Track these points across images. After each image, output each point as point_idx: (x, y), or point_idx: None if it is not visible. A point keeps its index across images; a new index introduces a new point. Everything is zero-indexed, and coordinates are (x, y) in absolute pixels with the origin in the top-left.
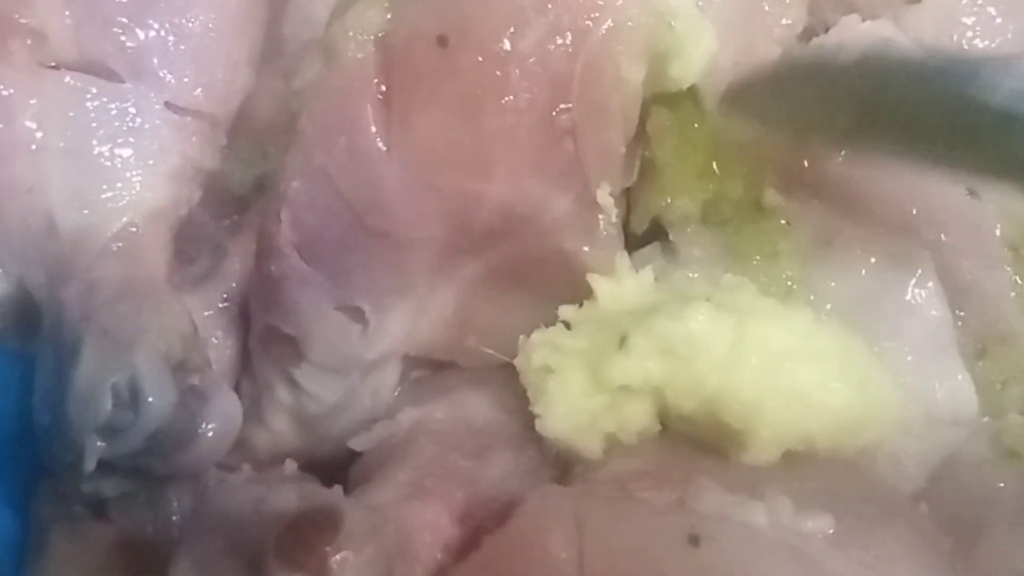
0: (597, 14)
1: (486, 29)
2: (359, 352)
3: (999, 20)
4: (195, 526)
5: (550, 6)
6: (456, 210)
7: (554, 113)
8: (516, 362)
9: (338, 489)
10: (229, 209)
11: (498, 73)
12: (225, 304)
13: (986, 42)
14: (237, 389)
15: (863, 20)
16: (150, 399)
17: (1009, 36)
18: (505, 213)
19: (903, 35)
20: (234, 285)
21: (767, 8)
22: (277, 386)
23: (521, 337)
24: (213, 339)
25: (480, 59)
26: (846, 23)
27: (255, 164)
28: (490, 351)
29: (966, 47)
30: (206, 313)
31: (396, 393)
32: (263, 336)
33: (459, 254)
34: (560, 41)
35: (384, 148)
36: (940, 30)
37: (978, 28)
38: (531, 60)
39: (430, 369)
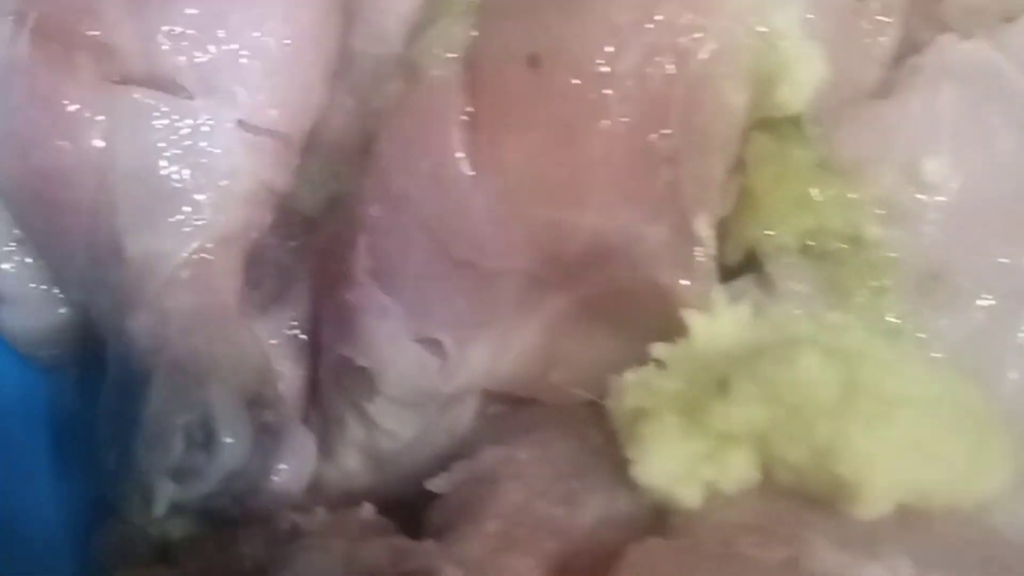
0: (700, 35)
1: (581, 49)
2: (437, 386)
3: None
4: None
5: (649, 26)
6: (546, 241)
7: (652, 139)
8: (608, 403)
9: (430, 544)
10: (296, 231)
11: (594, 96)
12: (293, 332)
13: None
14: (306, 421)
15: (960, 39)
16: (225, 439)
17: None
18: (597, 244)
19: (1002, 55)
20: (303, 312)
21: (866, 27)
22: (349, 421)
23: (612, 377)
24: (281, 370)
25: (575, 81)
26: (943, 43)
27: (325, 184)
28: (578, 390)
29: None
30: (273, 342)
31: (474, 429)
32: (335, 367)
33: (546, 286)
34: (660, 63)
35: (471, 173)
36: None
37: None
38: (629, 82)
39: (511, 404)
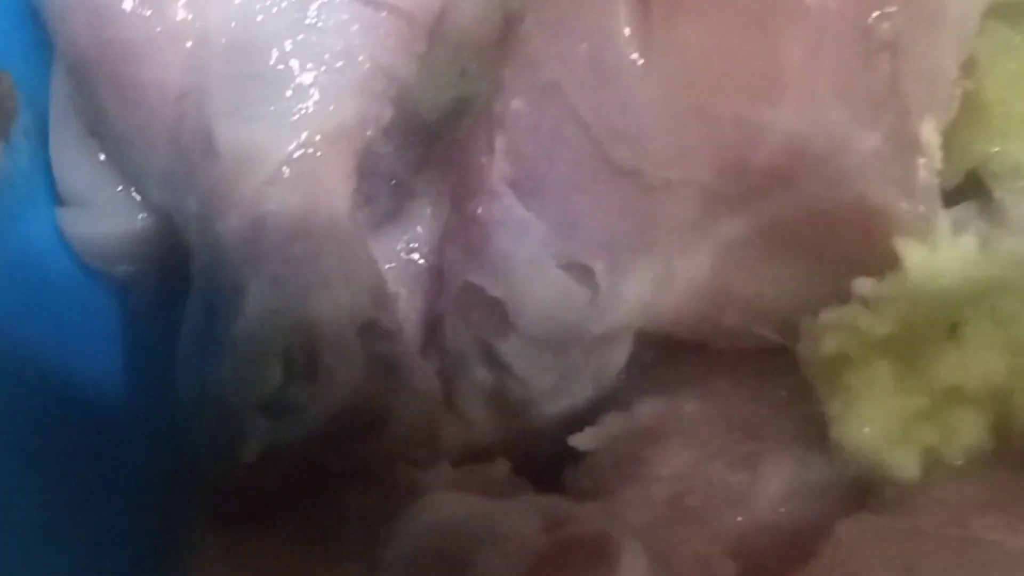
0: None
1: None
2: (584, 323)
3: None
4: (397, 554)
5: None
6: (729, 145)
7: (870, 20)
8: (800, 348)
9: (592, 507)
10: (415, 138)
11: None
12: (410, 256)
13: None
14: None
15: None
16: (333, 369)
17: None
18: (793, 151)
19: None
20: (423, 231)
21: None
22: (474, 362)
23: (805, 317)
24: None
25: None
26: None
27: (451, 84)
28: (757, 330)
29: None
30: (386, 266)
31: (625, 378)
32: (460, 298)
33: (723, 204)
34: None
35: (640, 60)
36: None
37: None
38: None
39: (669, 351)
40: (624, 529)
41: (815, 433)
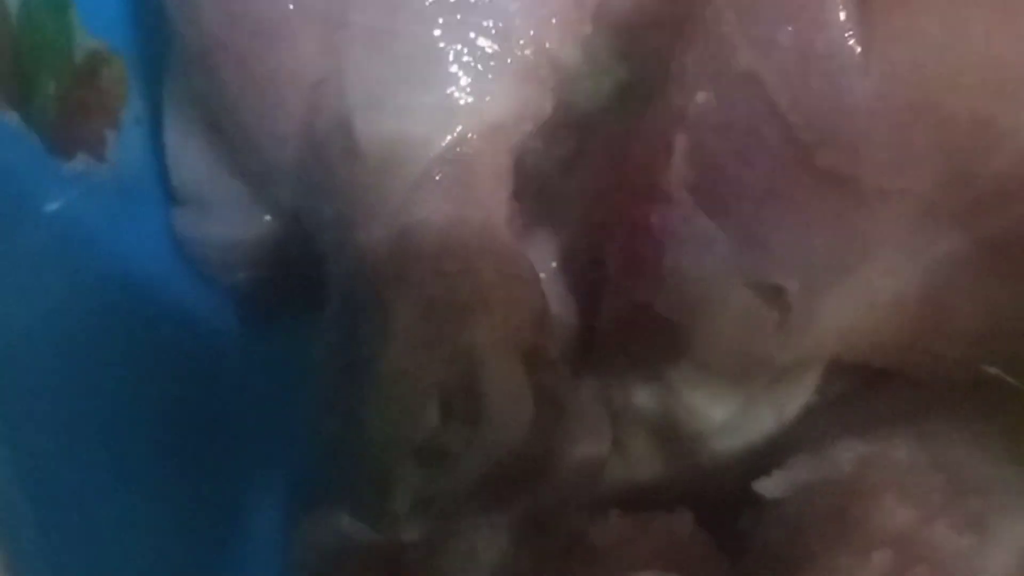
0: None
1: None
2: (771, 351)
3: None
4: None
5: None
6: (960, 150)
7: None
8: None
9: None
10: (567, 132)
11: None
12: (559, 267)
13: None
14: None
15: None
16: (497, 407)
17: None
18: None
19: None
20: (574, 240)
21: None
22: (639, 392)
23: None
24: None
25: None
26: None
27: (610, 69)
28: (986, 366)
29: None
30: None
31: (810, 415)
32: (624, 318)
33: (944, 219)
34: None
35: (858, 48)
36: None
37: None
38: None
39: (865, 384)
40: None
41: None
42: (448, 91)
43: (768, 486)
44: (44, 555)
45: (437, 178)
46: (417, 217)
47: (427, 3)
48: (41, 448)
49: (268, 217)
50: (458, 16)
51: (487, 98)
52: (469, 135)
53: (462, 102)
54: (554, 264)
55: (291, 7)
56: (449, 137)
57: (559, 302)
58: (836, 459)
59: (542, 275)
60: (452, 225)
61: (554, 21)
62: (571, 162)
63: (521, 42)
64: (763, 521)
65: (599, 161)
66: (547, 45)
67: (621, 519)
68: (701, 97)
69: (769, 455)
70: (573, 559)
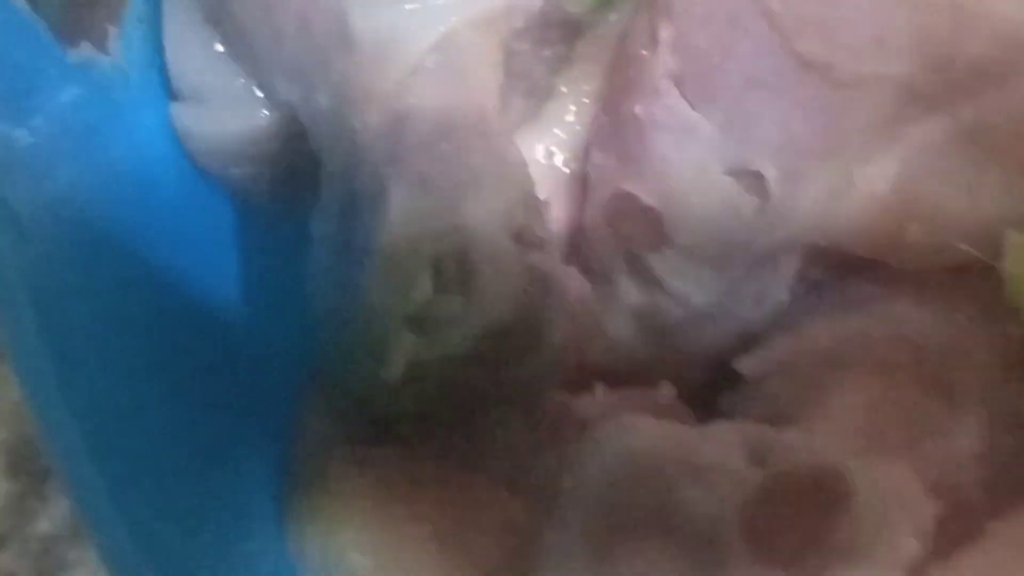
0: None
1: None
2: (751, 236)
3: None
4: (584, 485)
5: None
6: (936, 34)
7: None
8: (1006, 266)
9: (795, 435)
10: (555, 34)
11: None
12: (550, 162)
13: None
14: None
15: None
16: (489, 280)
17: None
18: (1009, 43)
19: None
20: (563, 135)
21: None
22: (623, 277)
23: (1009, 232)
24: None
25: None
26: None
27: None
28: (946, 247)
29: None
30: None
31: (790, 299)
32: (610, 206)
33: (920, 104)
34: None
35: None
36: None
37: None
38: None
39: (840, 269)
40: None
41: (1015, 359)
42: None
43: (748, 364)
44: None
45: (430, 66)
46: (411, 103)
47: None
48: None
49: (266, 111)
50: None
51: None
52: (461, 27)
53: None
54: (543, 160)
55: None
56: (442, 28)
57: (549, 196)
58: (813, 337)
59: (539, 165)
60: (444, 110)
61: None
62: (558, 63)
63: None
64: (742, 398)
65: (585, 62)
66: None
67: (606, 393)
68: None
69: (750, 338)
70: (561, 432)
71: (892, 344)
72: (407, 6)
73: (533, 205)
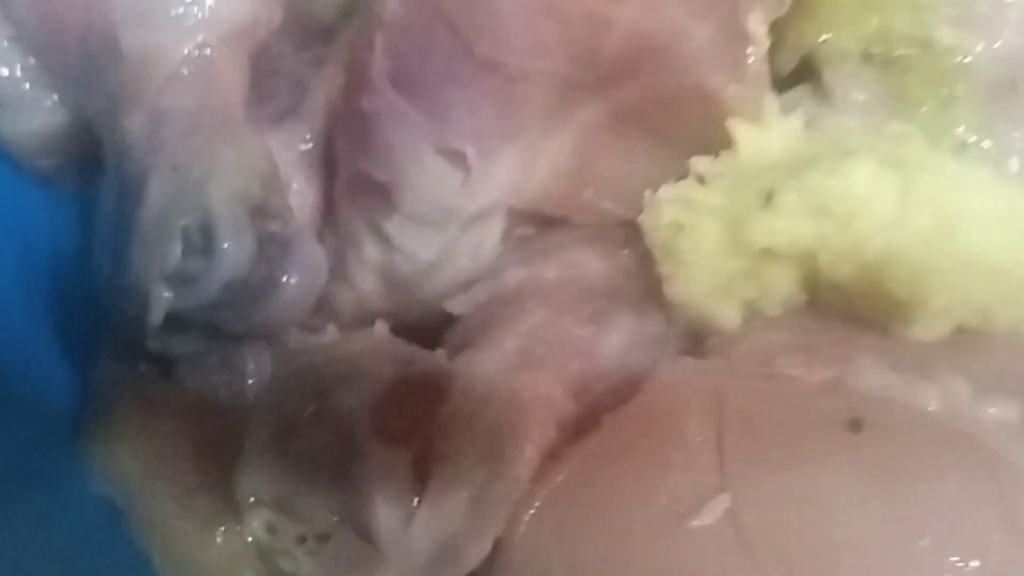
0: None
1: None
2: (460, 202)
3: None
4: (275, 389)
5: None
6: (580, 38)
7: None
8: (641, 219)
9: (440, 353)
10: (312, 40)
11: None
12: (308, 146)
13: None
14: (320, 243)
15: None
16: (225, 244)
17: None
18: (637, 43)
19: None
20: (318, 125)
21: None
22: (365, 240)
23: (647, 192)
24: (294, 185)
25: None
26: None
27: None
28: (611, 206)
29: None
30: (286, 156)
31: (499, 252)
32: (351, 183)
33: (579, 92)
34: None
35: None
36: None
37: None
38: None
39: (538, 225)
40: (462, 372)
41: (655, 293)
42: (192, 7)
43: (456, 304)
44: None
45: (184, 74)
46: (168, 104)
47: None
48: None
49: (61, 113)
50: None
51: (224, 11)
52: (210, 40)
53: (204, 16)
54: (302, 145)
55: None
56: (193, 42)
57: (306, 174)
58: (504, 281)
59: (293, 154)
60: (196, 110)
61: None
62: (316, 63)
63: None
64: (455, 331)
65: (333, 62)
66: None
67: (333, 330)
68: (392, 6)
69: (468, 286)
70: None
71: (563, 284)
72: (165, 24)
73: (272, 185)
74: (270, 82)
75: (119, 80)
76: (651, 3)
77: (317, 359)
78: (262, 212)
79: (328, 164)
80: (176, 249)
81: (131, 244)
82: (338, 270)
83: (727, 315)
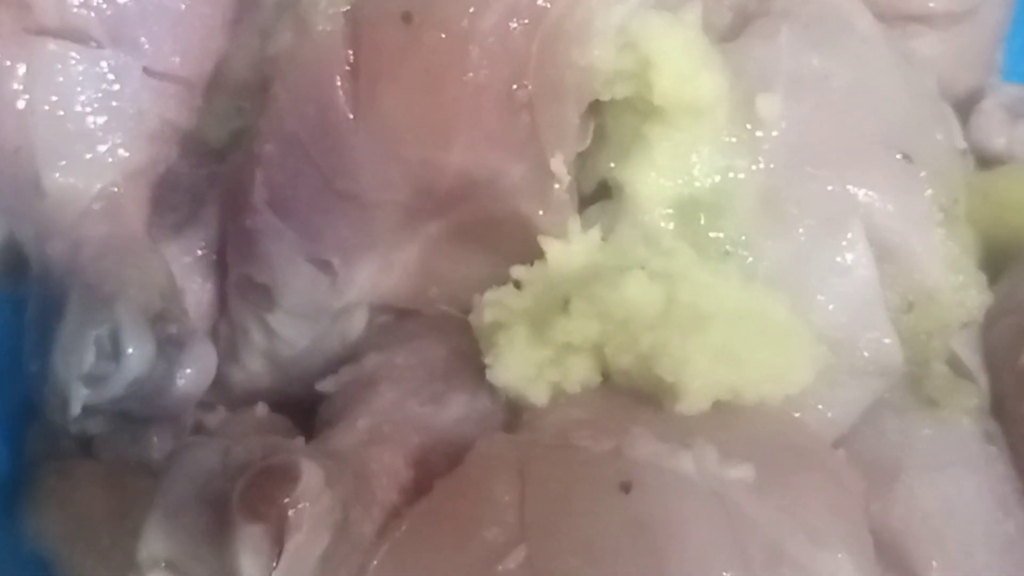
0: None
1: (448, 9)
2: (329, 301)
3: None
4: (168, 475)
5: None
6: (419, 176)
7: (512, 88)
8: (471, 318)
9: (299, 441)
10: (206, 160)
11: (459, 51)
12: (204, 251)
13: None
14: (215, 330)
15: None
16: (130, 350)
17: None
18: (465, 179)
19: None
20: (212, 233)
21: None
22: (252, 329)
23: (475, 296)
24: (193, 284)
25: (442, 37)
26: None
27: (230, 119)
28: (447, 308)
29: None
30: (186, 259)
31: (363, 335)
32: (239, 283)
33: (422, 214)
34: (518, 22)
35: (351, 117)
36: None
37: None
38: (491, 39)
39: (395, 314)
40: (313, 455)
41: (484, 375)
42: (102, 152)
43: (325, 384)
44: None
45: (96, 209)
46: (83, 234)
47: (88, 94)
48: None
49: (3, 236)
50: (108, 103)
51: (129, 155)
52: (117, 179)
53: (112, 159)
54: (199, 251)
55: None
56: (103, 182)
57: (202, 275)
58: (364, 365)
59: (191, 258)
60: (106, 238)
61: (172, 102)
62: (211, 180)
63: (150, 117)
64: (324, 407)
65: (224, 183)
66: (168, 117)
67: (225, 411)
68: (268, 148)
69: (338, 367)
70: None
71: (411, 368)
72: (80, 168)
73: (170, 295)
74: (172, 195)
75: (42, 214)
76: (475, 150)
77: (202, 448)
78: (162, 318)
79: (221, 266)
80: (90, 355)
81: (53, 350)
82: (231, 353)
83: (537, 395)
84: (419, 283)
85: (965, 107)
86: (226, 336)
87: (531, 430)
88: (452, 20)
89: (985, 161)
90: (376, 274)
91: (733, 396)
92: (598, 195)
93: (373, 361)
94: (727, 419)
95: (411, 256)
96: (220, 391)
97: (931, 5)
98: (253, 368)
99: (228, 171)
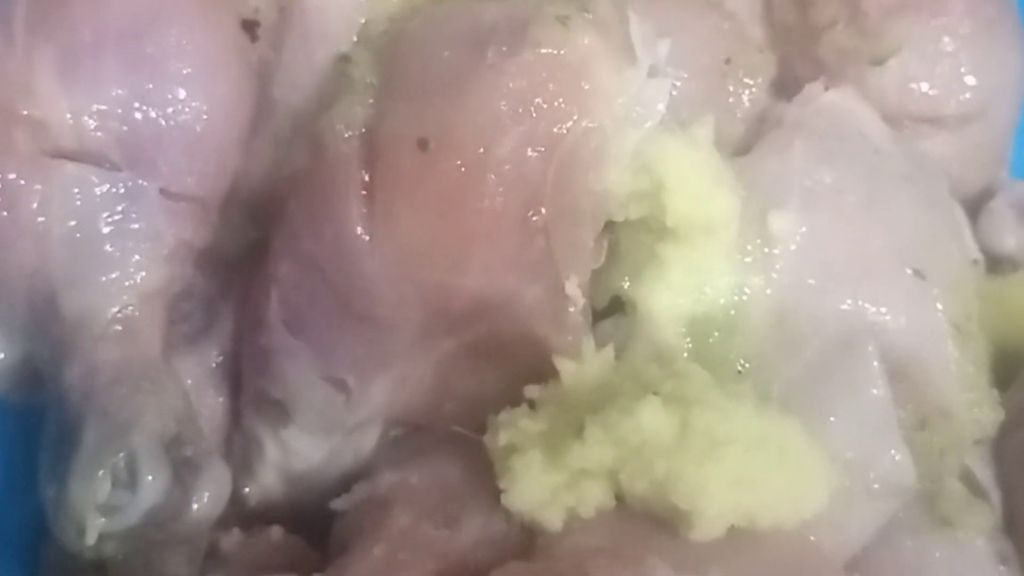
0: (569, 124)
1: (465, 135)
2: (343, 417)
3: (956, 83)
4: None
5: (526, 115)
6: (434, 299)
7: (528, 214)
8: (485, 439)
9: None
10: (221, 271)
11: (476, 178)
12: (219, 361)
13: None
14: (229, 443)
15: (827, 84)
16: (148, 478)
17: (968, 96)
18: (480, 301)
19: (862, 104)
20: (227, 344)
21: (731, 88)
22: (266, 444)
23: (489, 416)
24: (207, 396)
25: (459, 163)
26: (806, 94)
27: (245, 230)
28: (461, 429)
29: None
30: (199, 372)
31: (376, 449)
32: (254, 398)
33: (437, 333)
34: (534, 149)
35: (367, 239)
36: (902, 93)
37: (936, 90)
38: (507, 167)
39: (409, 428)
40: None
41: (498, 497)
42: (118, 274)
43: (339, 503)
44: None
45: (112, 332)
46: (99, 358)
47: (104, 216)
48: None
49: (11, 353)
50: (125, 225)
51: (144, 274)
52: (133, 300)
53: (128, 280)
54: (213, 362)
55: (13, 226)
56: (120, 304)
57: (217, 387)
58: (378, 484)
59: (206, 369)
60: (122, 363)
61: (188, 222)
62: (225, 290)
63: (166, 238)
64: (338, 525)
65: (239, 298)
66: (184, 237)
67: (240, 533)
68: (283, 267)
69: (351, 482)
70: (211, 562)
71: (425, 488)
72: (96, 290)
73: (185, 417)
74: (186, 304)
75: (59, 337)
76: (490, 274)
77: None
78: (177, 442)
79: (235, 378)
80: (106, 484)
81: (70, 478)
82: (244, 467)
83: (552, 520)
84: (433, 399)
85: (975, 205)
86: (240, 450)
87: (546, 556)
88: (469, 147)
89: (995, 260)
90: (391, 391)
91: (748, 522)
92: (611, 309)
93: (387, 480)
94: (741, 545)
95: (425, 373)
96: (234, 507)
97: (942, 107)
98: (267, 482)
99: (242, 282)
